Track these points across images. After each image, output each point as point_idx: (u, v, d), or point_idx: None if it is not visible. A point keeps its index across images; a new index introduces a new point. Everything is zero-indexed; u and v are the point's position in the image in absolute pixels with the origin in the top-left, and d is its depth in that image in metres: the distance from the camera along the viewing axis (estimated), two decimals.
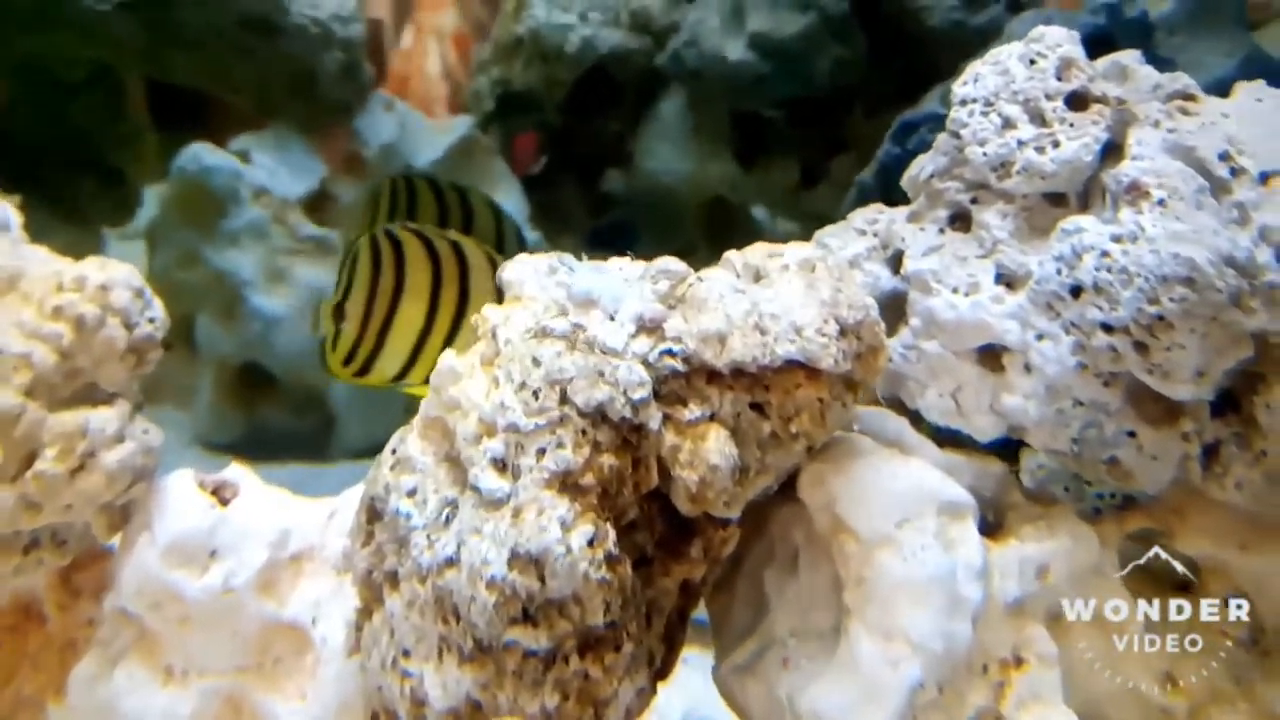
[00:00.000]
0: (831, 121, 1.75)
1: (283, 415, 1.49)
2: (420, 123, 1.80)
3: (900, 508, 0.54)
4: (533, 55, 1.84)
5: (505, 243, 1.31)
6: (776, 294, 0.52)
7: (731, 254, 0.58)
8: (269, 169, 1.58)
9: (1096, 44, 1.41)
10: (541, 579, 0.44)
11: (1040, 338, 0.54)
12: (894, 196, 0.71)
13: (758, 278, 0.56)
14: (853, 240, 0.62)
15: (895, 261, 0.61)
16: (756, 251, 0.57)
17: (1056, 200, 0.57)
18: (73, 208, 1.71)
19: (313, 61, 1.71)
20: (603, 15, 1.85)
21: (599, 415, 0.47)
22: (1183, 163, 0.53)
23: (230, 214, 1.48)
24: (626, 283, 0.53)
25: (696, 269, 1.94)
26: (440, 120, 1.82)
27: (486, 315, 0.53)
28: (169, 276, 1.50)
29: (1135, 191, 0.52)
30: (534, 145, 2.10)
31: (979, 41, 1.42)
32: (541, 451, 0.47)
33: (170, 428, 1.51)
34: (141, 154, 1.79)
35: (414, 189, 1.27)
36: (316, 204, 1.71)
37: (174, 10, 1.64)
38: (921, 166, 0.63)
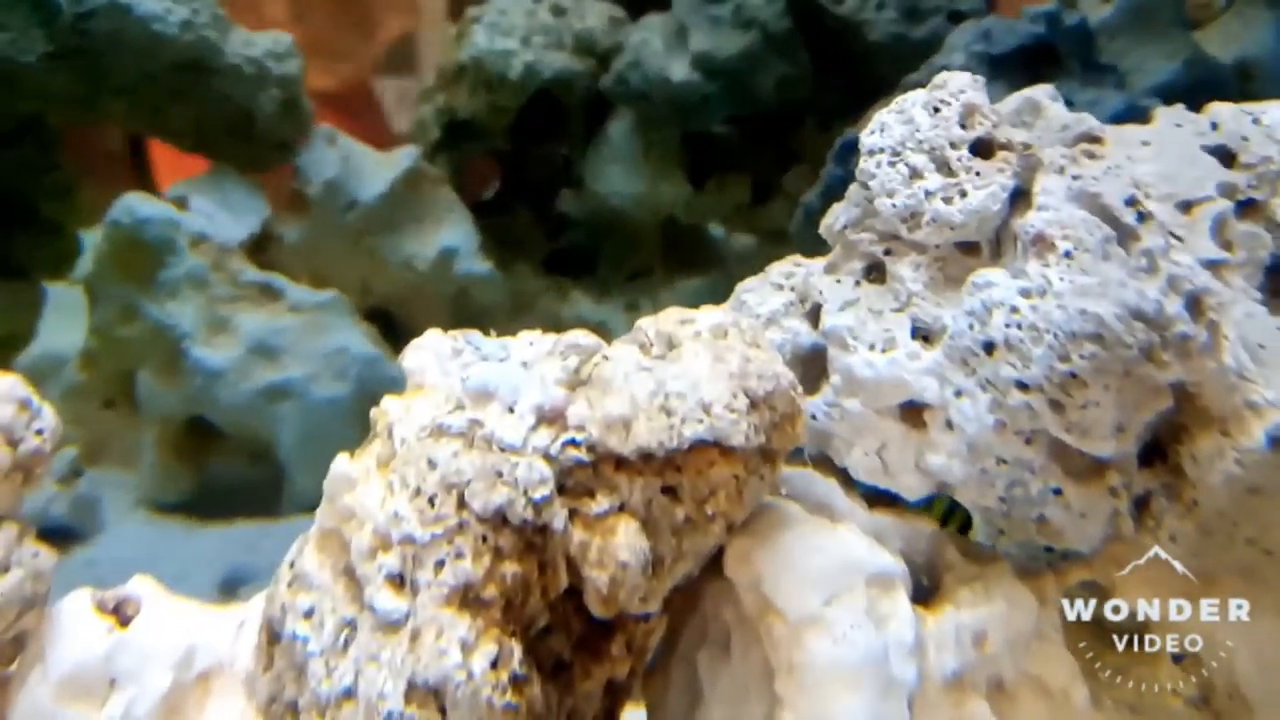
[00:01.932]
0: (782, 136, 1.74)
1: (231, 470, 1.45)
2: (364, 155, 1.77)
3: (828, 583, 0.51)
4: (476, 83, 1.81)
5: None
6: (684, 369, 0.50)
7: (644, 322, 0.56)
8: (208, 214, 1.54)
9: (1037, 52, 1.41)
10: (442, 710, 0.42)
11: (959, 394, 0.52)
12: None
13: (671, 345, 0.53)
14: (770, 295, 0.60)
15: (814, 315, 0.59)
16: (669, 318, 0.55)
17: (969, 249, 0.56)
18: (10, 261, 1.66)
19: (249, 101, 1.68)
20: (546, 39, 1.82)
21: (499, 519, 0.45)
22: (1088, 211, 0.51)
23: (168, 265, 1.44)
24: (527, 368, 0.50)
25: (655, 289, 1.90)
26: (385, 152, 1.78)
27: (385, 409, 0.51)
28: (109, 332, 1.46)
29: (1041, 244, 0.50)
30: (485, 171, 2.07)
31: (920, 53, 1.41)
32: (439, 564, 0.44)
33: (116, 490, 1.48)
34: (78, 203, 1.75)
35: None
36: (260, 246, 1.68)
37: (105, 58, 1.60)
38: (836, 216, 0.61)
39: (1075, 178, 0.53)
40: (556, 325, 2.00)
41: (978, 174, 0.54)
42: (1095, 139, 0.55)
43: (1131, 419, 0.49)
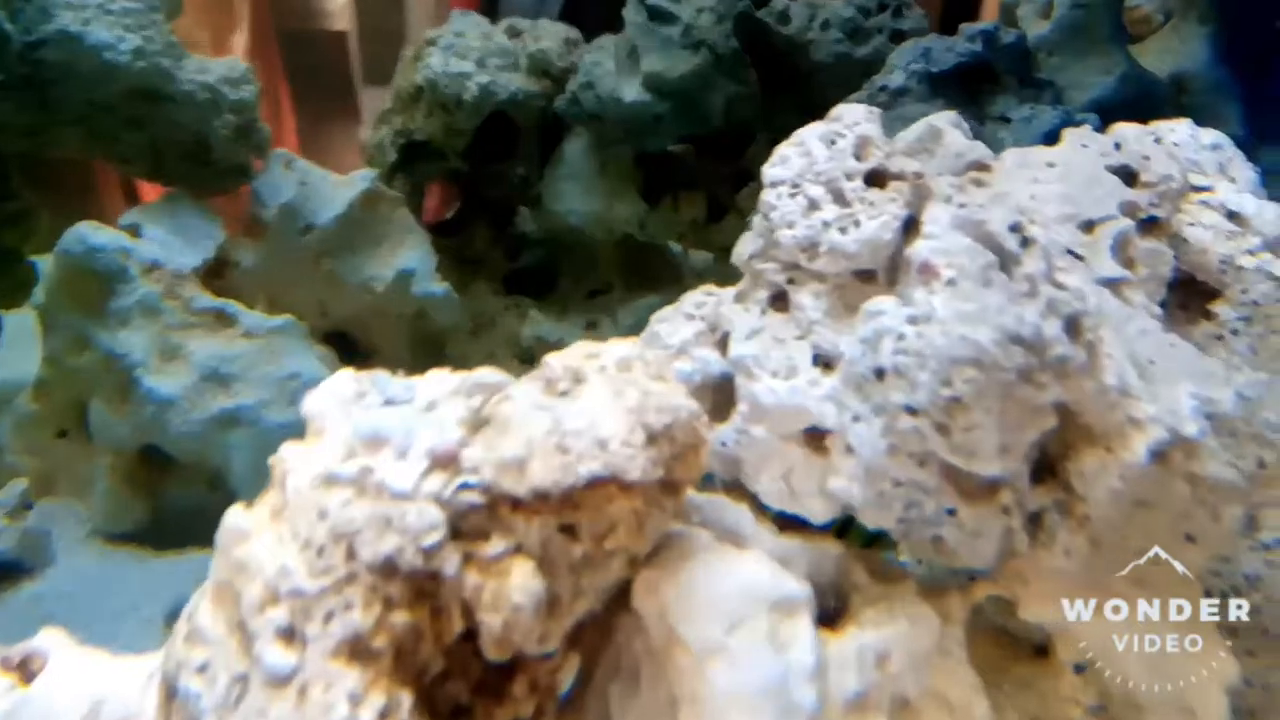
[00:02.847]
0: (735, 153, 1.76)
1: (184, 499, 1.44)
2: (321, 179, 1.77)
3: (731, 612, 0.52)
4: (432, 105, 1.82)
5: None
6: (582, 406, 0.50)
7: (551, 359, 0.57)
8: (161, 241, 1.54)
9: (976, 70, 1.43)
10: None
11: (856, 419, 0.54)
12: None
13: (578, 380, 0.54)
14: (682, 325, 0.62)
15: (724, 343, 0.61)
16: (576, 353, 0.56)
17: (866, 277, 0.57)
18: None
19: (204, 127, 1.68)
20: (502, 61, 1.83)
21: (389, 568, 0.45)
22: (972, 238, 0.52)
23: (119, 293, 1.44)
24: (431, 408, 0.51)
25: (614, 307, 1.91)
26: (342, 175, 1.79)
27: (282, 457, 0.51)
28: (60, 361, 1.46)
29: (927, 272, 0.52)
30: (445, 192, 2.08)
31: (865, 72, 1.43)
32: (328, 617, 0.44)
33: (68, 521, 1.47)
34: (35, 230, 1.74)
35: None
36: (215, 271, 1.68)
37: (56, 87, 1.61)
38: (745, 246, 0.62)
39: (962, 206, 0.54)
40: (516, 344, 2.00)
41: (871, 204, 0.56)
42: (984, 167, 0.57)
43: (1016, 440, 0.50)
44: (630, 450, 0.49)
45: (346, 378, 0.55)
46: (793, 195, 0.58)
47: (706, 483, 0.59)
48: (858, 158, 0.57)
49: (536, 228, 1.91)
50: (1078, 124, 1.33)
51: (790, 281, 0.58)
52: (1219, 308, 0.73)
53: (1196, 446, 0.53)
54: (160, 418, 1.37)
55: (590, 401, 0.50)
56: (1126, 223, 0.69)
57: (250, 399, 1.42)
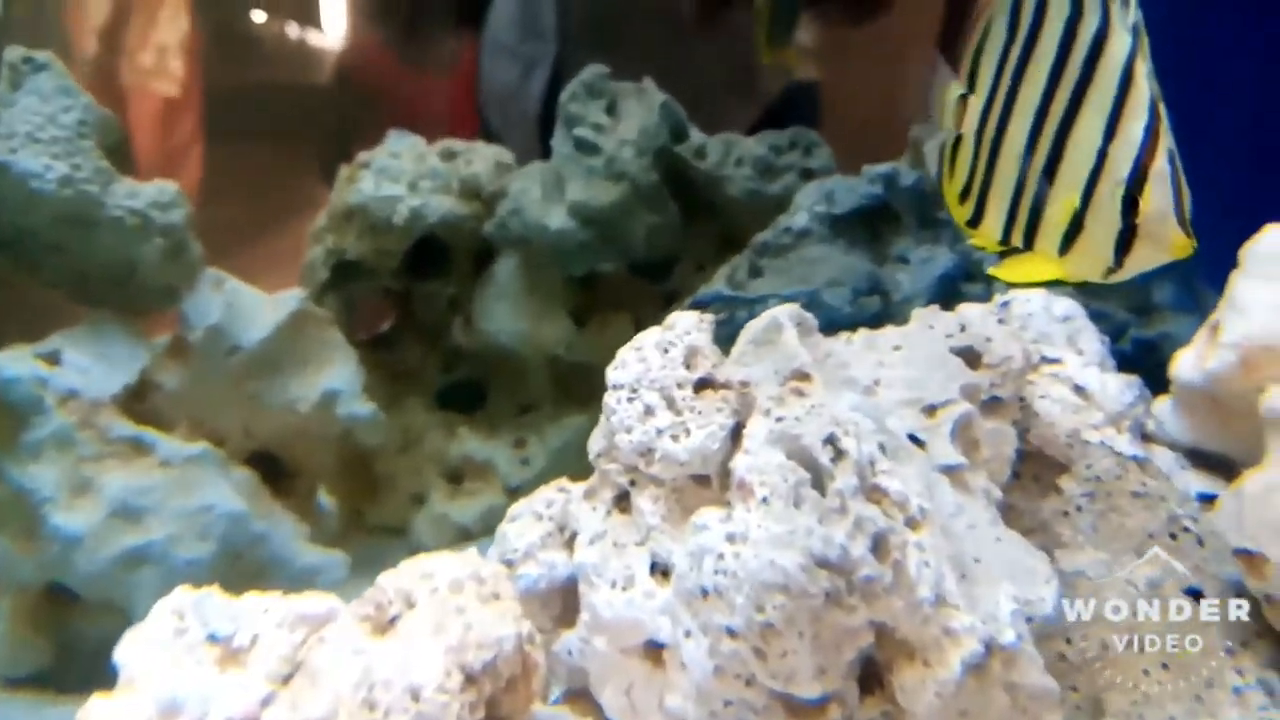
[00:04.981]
0: (661, 275, 1.80)
1: (89, 639, 1.40)
2: (250, 299, 1.79)
3: None
4: (363, 227, 1.85)
5: None
6: (397, 648, 0.51)
7: (384, 579, 0.57)
8: (81, 368, 1.53)
9: (877, 211, 1.49)
10: None
11: (688, 635, 0.55)
12: None
13: (409, 604, 0.54)
14: (530, 527, 0.63)
15: (573, 543, 0.62)
16: (411, 573, 0.56)
17: (702, 480, 0.59)
18: None
19: (132, 251, 1.69)
20: (434, 184, 1.88)
21: None
22: (786, 454, 0.54)
23: (33, 425, 1.42)
24: (241, 653, 0.51)
25: (542, 425, 1.91)
26: (272, 295, 1.80)
27: (89, 713, 0.51)
28: None
29: (743, 489, 0.53)
30: (379, 306, 2.10)
31: (776, 207, 1.49)
32: None
33: None
34: None
35: None
36: (138, 394, 1.67)
37: None
38: (593, 442, 0.64)
39: (779, 420, 0.56)
40: (444, 462, 2.00)
41: (700, 413, 0.58)
42: (804, 376, 0.59)
43: (833, 661, 0.51)
44: (445, 698, 0.49)
45: (167, 613, 0.55)
46: (631, 400, 0.60)
47: (553, 688, 0.60)
48: (688, 366, 0.60)
49: (468, 344, 1.93)
50: (977, 262, 1.39)
51: (632, 483, 0.60)
52: (1065, 483, 0.76)
53: (1014, 655, 0.54)
54: (67, 556, 1.35)
55: (408, 641, 0.50)
56: (967, 406, 0.72)
57: (160, 534, 1.40)
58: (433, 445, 1.84)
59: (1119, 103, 0.54)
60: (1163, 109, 0.54)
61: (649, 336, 0.62)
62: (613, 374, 0.62)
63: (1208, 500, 0.78)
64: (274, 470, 1.81)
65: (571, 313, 1.82)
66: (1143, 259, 0.56)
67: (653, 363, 0.60)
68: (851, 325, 1.33)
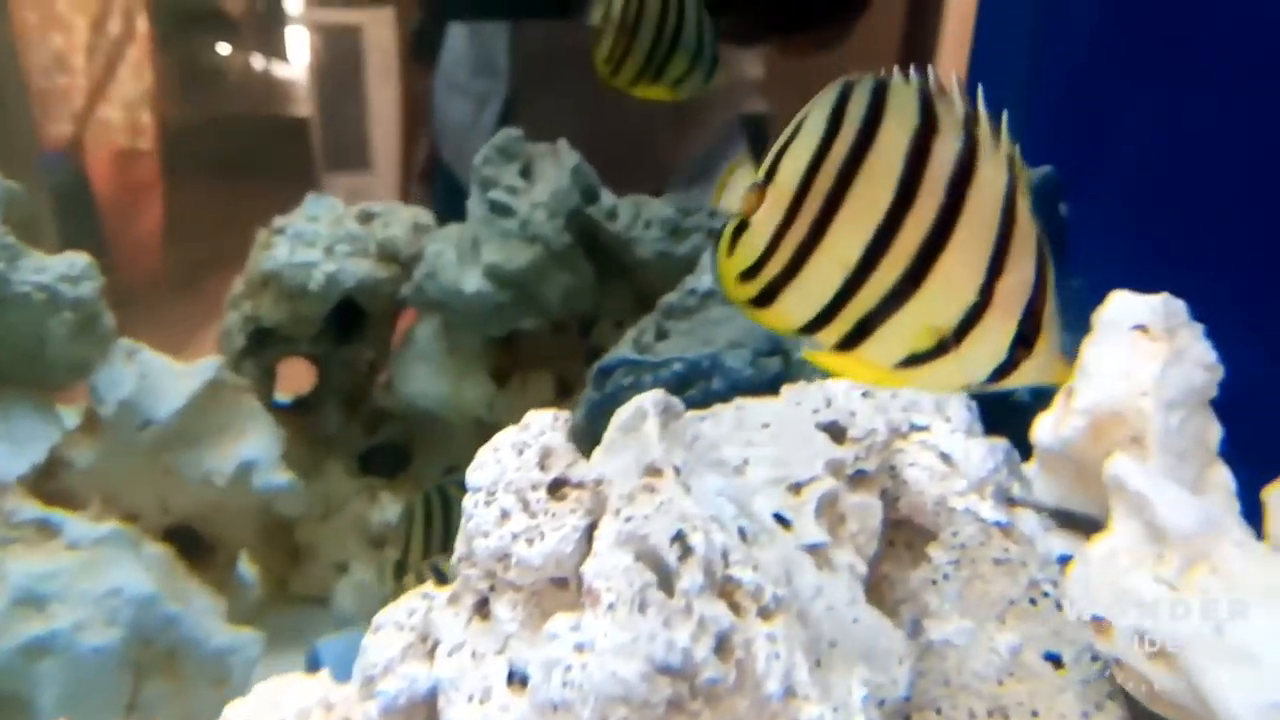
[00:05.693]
0: (582, 332, 1.82)
1: None
2: (164, 370, 1.76)
3: None
4: (279, 293, 1.84)
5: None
6: None
7: (230, 711, 0.57)
8: None
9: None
10: None
11: None
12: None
13: None
14: (391, 639, 0.62)
15: (434, 653, 0.62)
16: (259, 704, 0.56)
17: (560, 584, 0.60)
18: None
19: (39, 327, 1.66)
20: (351, 248, 1.88)
21: None
22: (634, 556, 0.56)
23: None
24: None
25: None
26: (186, 365, 1.78)
27: None
28: None
29: (591, 595, 0.55)
30: (299, 371, 2.08)
31: (684, 268, 1.52)
32: None
33: None
34: None
35: None
36: (49, 473, 1.63)
37: None
38: (457, 545, 0.64)
39: (628, 520, 0.58)
40: (366, 528, 1.97)
41: (553, 515, 0.59)
42: (656, 471, 0.61)
43: None
44: None
45: None
46: (488, 504, 0.61)
47: None
48: (542, 467, 0.61)
49: (389, 407, 1.92)
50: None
51: (491, 589, 0.60)
52: (934, 551, 0.78)
53: None
54: None
55: None
56: (833, 483, 0.74)
57: (66, 622, 1.36)
58: (355, 511, 1.82)
59: (1004, 238, 0.52)
60: (1047, 249, 0.53)
61: (505, 437, 0.63)
62: (471, 476, 0.63)
63: (1070, 561, 0.81)
64: (193, 542, 1.78)
65: (492, 373, 1.83)
66: (1019, 381, 0.56)
67: (508, 464, 0.61)
68: (752, 387, 1.36)
